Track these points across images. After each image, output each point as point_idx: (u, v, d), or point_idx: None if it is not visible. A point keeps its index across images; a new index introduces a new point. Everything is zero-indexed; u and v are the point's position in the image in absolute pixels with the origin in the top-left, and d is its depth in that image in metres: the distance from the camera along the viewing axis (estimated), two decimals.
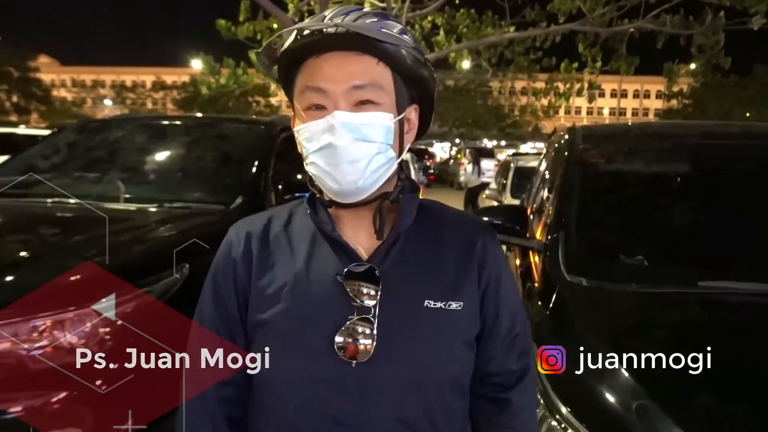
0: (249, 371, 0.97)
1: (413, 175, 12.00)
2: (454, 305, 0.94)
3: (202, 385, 0.99)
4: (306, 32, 0.90)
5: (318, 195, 0.98)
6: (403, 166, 1.00)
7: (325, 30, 0.88)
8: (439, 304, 0.93)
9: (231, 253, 0.99)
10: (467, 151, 14.83)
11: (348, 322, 0.90)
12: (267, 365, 0.94)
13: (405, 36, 0.93)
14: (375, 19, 0.91)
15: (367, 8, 0.94)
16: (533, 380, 1.06)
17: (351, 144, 0.89)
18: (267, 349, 0.94)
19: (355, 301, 0.91)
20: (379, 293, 0.91)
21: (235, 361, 0.98)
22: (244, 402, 1.00)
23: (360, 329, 0.89)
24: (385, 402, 0.91)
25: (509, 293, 1.03)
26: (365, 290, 0.91)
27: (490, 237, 1.03)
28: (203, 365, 0.99)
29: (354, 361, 0.89)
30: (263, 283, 0.96)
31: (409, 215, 0.97)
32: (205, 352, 0.99)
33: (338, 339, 0.89)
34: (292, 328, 0.92)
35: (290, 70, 0.95)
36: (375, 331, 0.89)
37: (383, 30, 0.90)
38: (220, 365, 0.98)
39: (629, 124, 3.67)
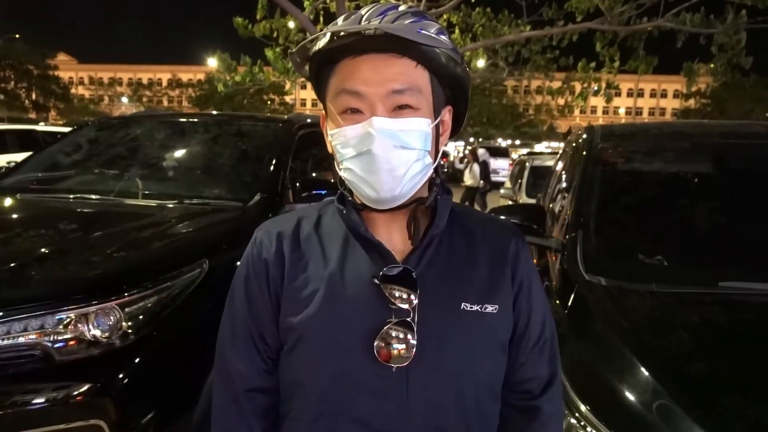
0: (282, 375, 0.97)
1: None
2: (489, 308, 0.93)
3: (233, 385, 0.98)
4: (342, 34, 0.86)
5: (350, 198, 0.96)
6: (438, 171, 0.97)
7: (363, 32, 0.85)
8: (475, 307, 0.92)
9: (262, 254, 0.97)
10: (466, 151, 14.54)
11: (386, 326, 0.88)
12: (301, 369, 0.93)
13: (442, 36, 0.90)
14: (413, 20, 0.87)
15: (403, 7, 0.90)
16: (561, 387, 1.04)
17: (390, 151, 0.87)
18: (302, 352, 0.92)
19: (393, 304, 0.89)
20: (416, 297, 0.89)
21: (267, 363, 0.97)
22: (275, 401, 0.99)
23: (394, 333, 0.87)
24: (423, 405, 0.89)
25: (539, 297, 1.01)
26: (401, 293, 0.89)
27: (522, 241, 1.02)
28: (234, 366, 0.98)
29: (394, 366, 0.87)
30: (297, 285, 0.94)
31: (444, 219, 0.96)
32: (237, 353, 0.98)
33: (375, 343, 0.87)
34: (329, 332, 0.90)
35: (323, 71, 0.93)
36: (413, 336, 0.87)
37: (422, 32, 0.86)
38: (255, 369, 0.97)
39: (648, 123, 3.64)
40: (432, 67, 0.90)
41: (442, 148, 0.97)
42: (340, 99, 0.90)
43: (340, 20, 0.91)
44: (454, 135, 1.03)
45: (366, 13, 0.88)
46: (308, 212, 1.03)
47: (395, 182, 0.88)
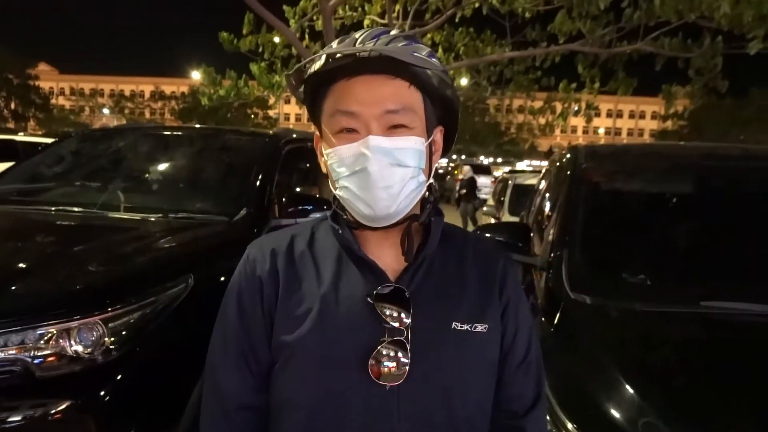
0: (273, 392, 0.96)
1: None
2: (479, 327, 0.94)
3: (223, 401, 0.97)
4: (338, 56, 0.89)
5: (344, 216, 0.97)
6: (432, 189, 0.99)
7: (358, 54, 0.88)
8: (465, 327, 0.93)
9: (256, 271, 0.97)
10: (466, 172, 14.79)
11: (380, 345, 0.88)
12: (293, 386, 0.93)
13: (433, 59, 0.92)
14: (406, 43, 0.90)
15: (394, 31, 0.93)
16: (546, 408, 1.05)
17: (385, 169, 0.88)
18: (294, 369, 0.93)
19: (386, 323, 0.89)
20: (409, 316, 0.90)
21: (258, 380, 0.97)
22: (264, 419, 0.98)
23: (385, 351, 0.88)
24: (414, 424, 0.90)
25: (526, 318, 1.02)
26: (394, 312, 0.90)
27: (510, 261, 1.05)
28: (226, 382, 0.98)
29: (387, 385, 0.88)
30: (291, 303, 0.94)
31: (436, 239, 0.97)
32: (228, 369, 0.97)
33: (370, 362, 0.88)
34: (323, 350, 0.91)
35: (318, 92, 0.94)
36: (406, 354, 0.88)
37: (415, 54, 0.89)
38: (246, 386, 0.97)
39: (630, 144, 3.73)
40: (424, 88, 0.93)
41: (434, 167, 0.99)
42: (335, 119, 0.91)
43: (334, 43, 0.93)
44: (445, 155, 1.05)
45: (360, 36, 0.91)
46: (301, 230, 1.03)
47: (391, 200, 0.90)
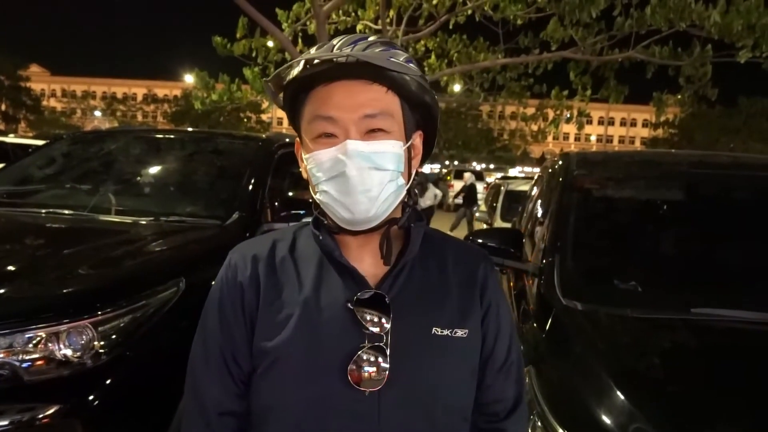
0: (254, 398, 0.96)
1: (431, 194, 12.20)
2: (459, 333, 0.95)
3: (205, 408, 0.97)
4: (316, 62, 0.89)
5: (325, 221, 0.98)
6: (411, 193, 1.00)
7: (335, 59, 0.88)
8: (446, 332, 0.94)
9: (237, 277, 0.97)
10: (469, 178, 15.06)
11: (360, 351, 0.89)
12: (275, 393, 0.93)
13: (411, 64, 0.93)
14: (383, 48, 0.92)
15: (372, 38, 0.94)
16: (526, 410, 1.06)
17: (364, 173, 0.89)
18: (276, 376, 0.92)
19: (366, 328, 0.90)
20: (390, 321, 0.90)
21: (239, 386, 0.97)
22: (245, 425, 0.98)
23: (365, 357, 0.88)
24: (394, 428, 0.91)
25: (506, 321, 1.04)
26: (374, 317, 0.90)
27: (490, 266, 1.06)
28: (207, 388, 0.97)
29: (367, 390, 0.88)
30: (272, 309, 0.94)
31: (417, 244, 0.98)
32: (209, 376, 0.97)
33: (349, 367, 0.88)
34: (304, 357, 0.91)
35: (297, 98, 0.96)
36: (386, 360, 0.88)
37: (392, 59, 0.90)
38: (227, 392, 0.96)
39: (622, 151, 3.77)
40: (402, 93, 0.94)
41: (414, 171, 1.00)
42: (314, 125, 0.92)
43: (313, 49, 0.94)
44: (425, 160, 1.06)
45: (338, 42, 0.92)
46: (283, 235, 1.04)
47: (370, 203, 0.91)
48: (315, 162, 0.93)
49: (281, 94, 0.98)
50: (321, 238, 0.97)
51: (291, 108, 0.98)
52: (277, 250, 1.00)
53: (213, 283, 1.02)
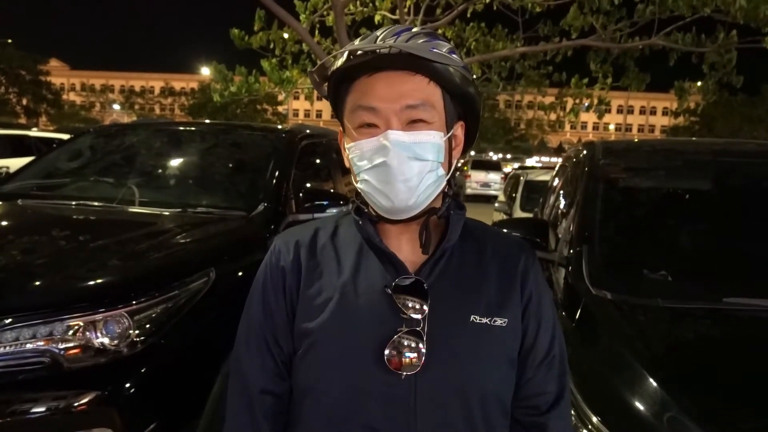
0: (294, 379, 0.99)
1: None
2: (499, 321, 0.95)
3: (246, 386, 1.00)
4: (359, 52, 0.91)
5: (366, 209, 0.99)
6: (451, 183, 1.01)
7: (378, 50, 0.90)
8: (484, 320, 0.94)
9: (280, 261, 1.01)
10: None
11: (396, 335, 0.90)
12: (313, 374, 0.95)
13: (453, 55, 0.94)
14: (426, 39, 0.92)
15: (416, 29, 0.95)
16: (569, 406, 1.05)
17: (404, 163, 0.91)
18: (314, 358, 0.95)
19: (404, 313, 0.91)
20: (427, 307, 0.92)
21: (280, 367, 1.00)
22: (285, 406, 1.01)
23: (406, 342, 0.89)
24: (430, 415, 0.91)
25: (549, 313, 1.02)
26: (412, 303, 0.91)
27: (532, 256, 1.05)
28: (248, 368, 1.00)
29: (403, 374, 0.89)
30: (311, 292, 0.97)
31: (456, 232, 0.99)
32: (250, 356, 1.00)
33: (386, 351, 0.89)
34: (341, 339, 0.93)
35: (340, 89, 0.97)
36: (424, 345, 0.90)
37: (434, 50, 0.91)
38: (267, 372, 0.99)
39: (647, 140, 3.66)
40: (444, 84, 0.95)
41: (455, 162, 1.01)
42: (356, 114, 0.94)
43: (357, 41, 0.95)
44: (467, 150, 1.07)
45: (381, 34, 0.93)
46: (326, 223, 1.07)
47: (410, 192, 0.92)
48: (357, 151, 0.94)
49: (325, 85, 1.00)
50: (361, 224, 0.99)
51: (334, 98, 1.00)
52: (319, 236, 1.03)
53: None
